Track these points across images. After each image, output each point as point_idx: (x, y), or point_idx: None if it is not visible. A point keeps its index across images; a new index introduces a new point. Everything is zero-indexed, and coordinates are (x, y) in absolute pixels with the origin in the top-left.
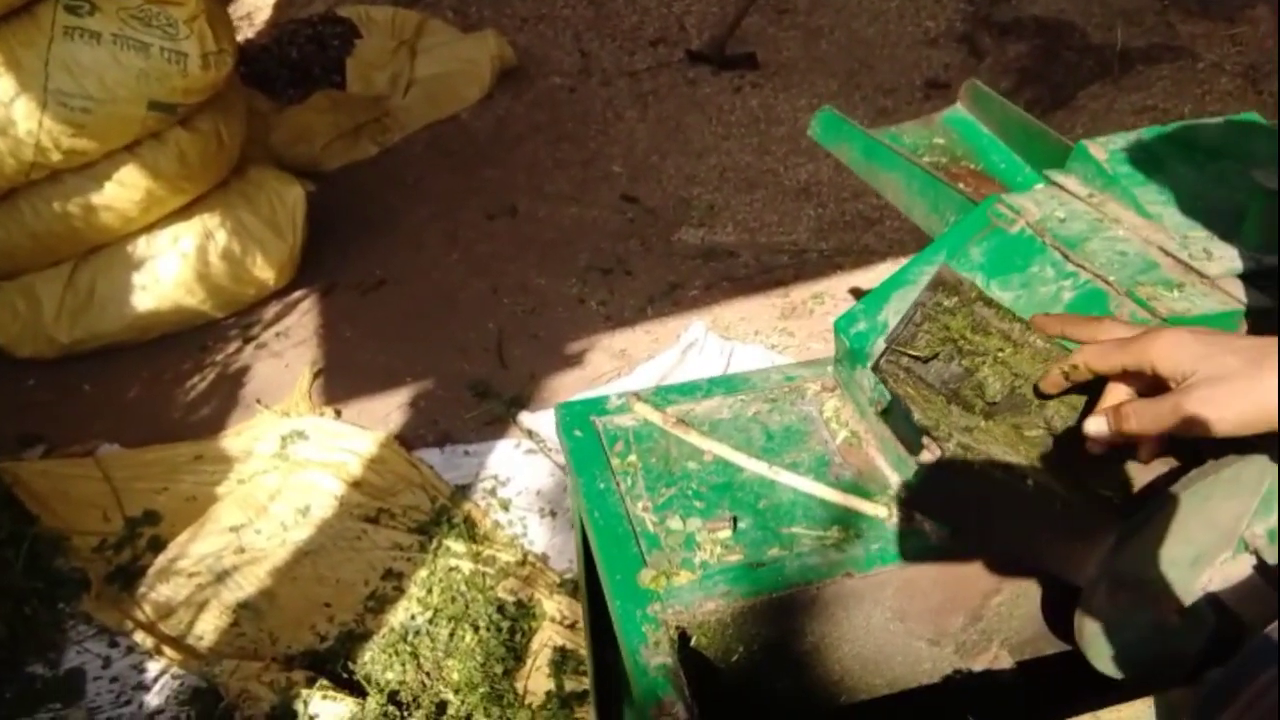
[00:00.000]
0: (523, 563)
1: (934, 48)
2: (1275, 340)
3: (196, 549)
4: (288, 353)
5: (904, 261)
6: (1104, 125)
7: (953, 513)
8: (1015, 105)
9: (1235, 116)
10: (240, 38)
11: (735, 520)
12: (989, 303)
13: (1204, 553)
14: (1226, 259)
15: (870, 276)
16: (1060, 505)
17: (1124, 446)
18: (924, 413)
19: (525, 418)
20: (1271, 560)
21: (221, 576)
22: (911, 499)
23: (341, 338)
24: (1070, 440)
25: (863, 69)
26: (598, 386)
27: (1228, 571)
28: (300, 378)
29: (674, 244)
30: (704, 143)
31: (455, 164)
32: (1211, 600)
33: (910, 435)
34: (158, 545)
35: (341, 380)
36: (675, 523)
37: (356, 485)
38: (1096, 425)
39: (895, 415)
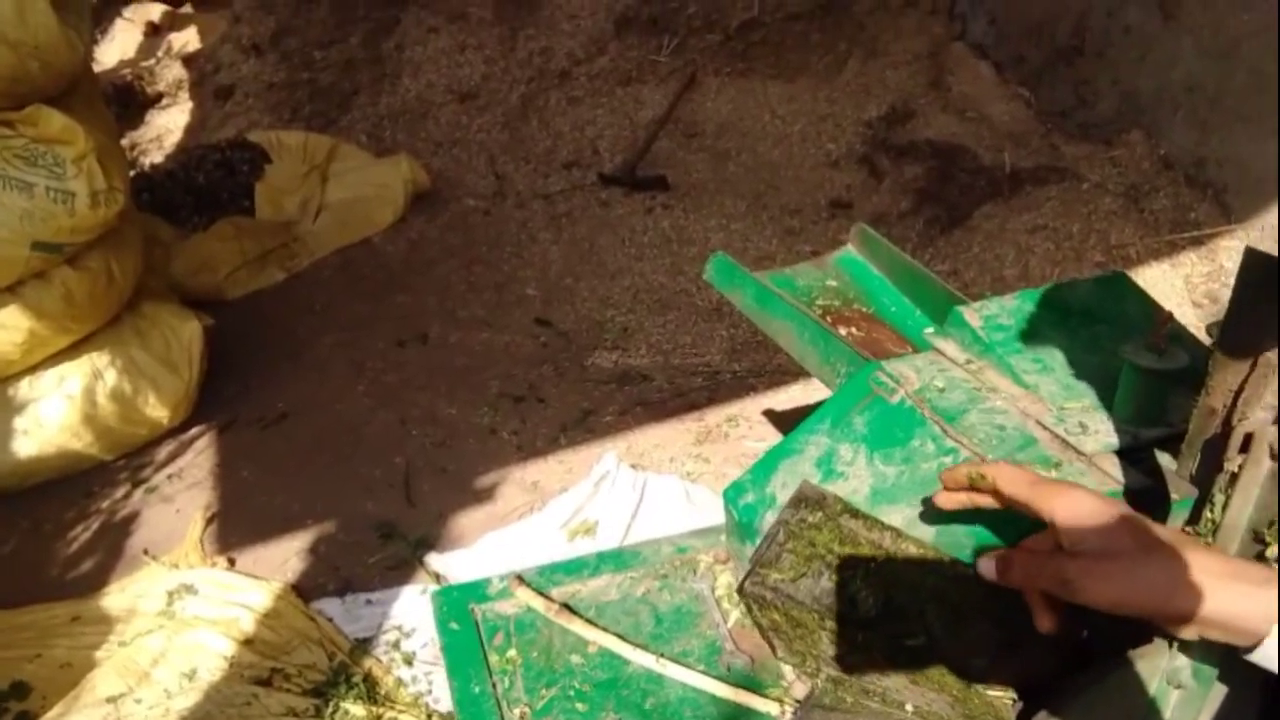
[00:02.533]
0: None
1: (836, 169)
2: (1174, 534)
3: None
4: (179, 496)
5: (815, 382)
6: (997, 243)
7: None
8: (906, 232)
9: (1104, 276)
10: (147, 162)
11: None
12: (855, 514)
13: None
14: (1103, 434)
15: (783, 397)
16: None
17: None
18: (789, 647)
19: (433, 560)
20: None
21: None
22: None
23: (238, 478)
24: (954, 641)
25: (769, 190)
26: (509, 523)
27: None
28: (192, 524)
29: (588, 368)
30: (618, 264)
31: (365, 289)
32: None
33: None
34: None
35: (237, 525)
36: None
37: (248, 643)
38: (985, 566)
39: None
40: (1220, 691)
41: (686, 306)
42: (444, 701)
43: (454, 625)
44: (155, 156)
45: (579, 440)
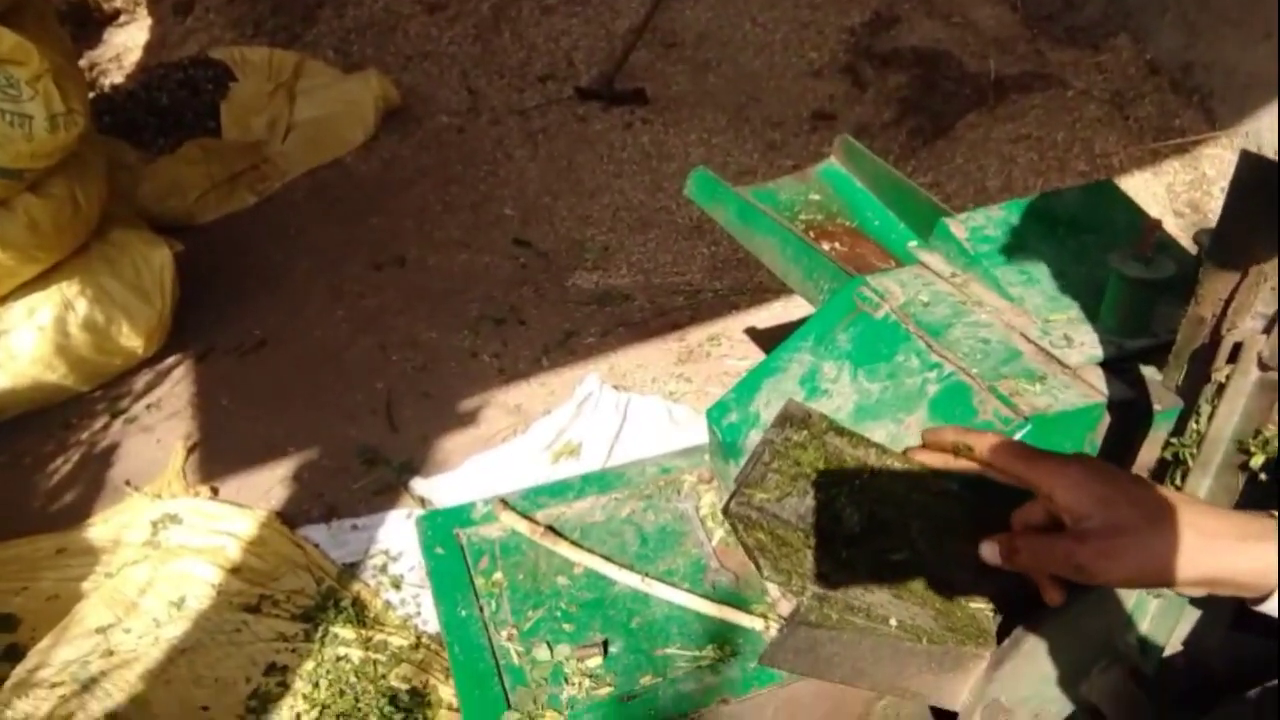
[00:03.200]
0: (416, 646)
1: (819, 79)
2: (1173, 497)
3: (59, 655)
4: (159, 426)
5: (796, 299)
6: (981, 154)
7: (817, 665)
8: (889, 143)
9: (1090, 185)
10: (106, 82)
11: (606, 644)
12: (840, 431)
13: (1079, 664)
14: (1087, 346)
15: (765, 315)
16: (926, 640)
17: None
18: (775, 566)
19: (417, 484)
20: (1145, 666)
21: (88, 685)
22: (771, 657)
23: (218, 407)
24: (937, 556)
25: (750, 102)
26: (492, 446)
27: (1103, 682)
28: (173, 454)
29: (568, 289)
30: (596, 182)
31: (339, 212)
32: (1090, 710)
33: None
34: (15, 654)
35: (219, 454)
36: (542, 651)
37: (235, 571)
38: (990, 551)
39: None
40: (1198, 600)
41: (667, 224)
42: (433, 623)
43: (439, 550)
44: (115, 77)
45: (561, 362)
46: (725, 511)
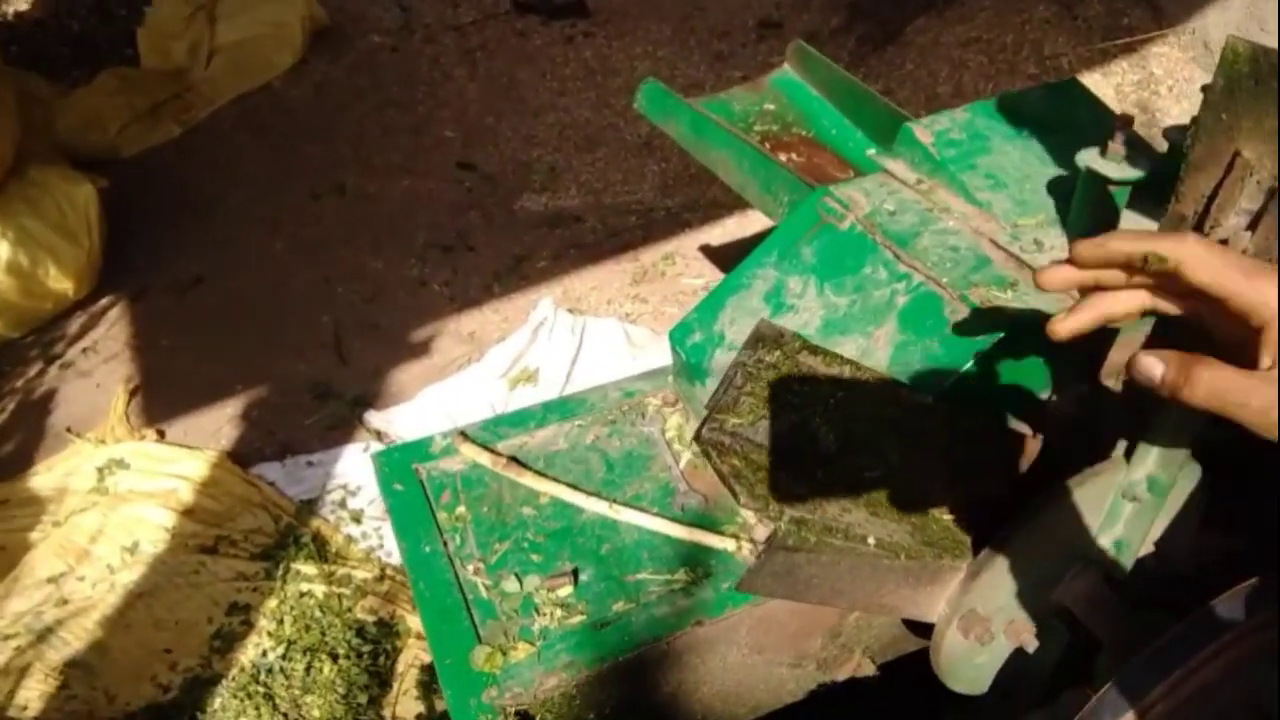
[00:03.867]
0: (381, 578)
1: None
2: None
3: (11, 607)
4: (98, 370)
5: (751, 214)
6: (931, 59)
7: (795, 588)
8: (838, 51)
9: (1056, 84)
10: (10, 10)
11: (576, 573)
12: (814, 350)
13: (1052, 570)
14: (1058, 250)
15: (719, 232)
16: (904, 556)
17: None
18: (751, 492)
19: (372, 417)
20: (1118, 571)
21: (43, 635)
22: (749, 583)
23: (158, 347)
24: (912, 470)
25: (695, 12)
26: (447, 375)
27: (1076, 586)
28: (115, 398)
29: (516, 213)
30: (539, 100)
31: (272, 140)
32: (1063, 614)
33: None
34: None
35: (162, 396)
36: (511, 584)
37: (189, 513)
38: (1152, 369)
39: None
40: (1170, 503)
41: (615, 142)
42: (396, 555)
43: (398, 486)
44: (19, 4)
45: (513, 287)
46: (697, 438)
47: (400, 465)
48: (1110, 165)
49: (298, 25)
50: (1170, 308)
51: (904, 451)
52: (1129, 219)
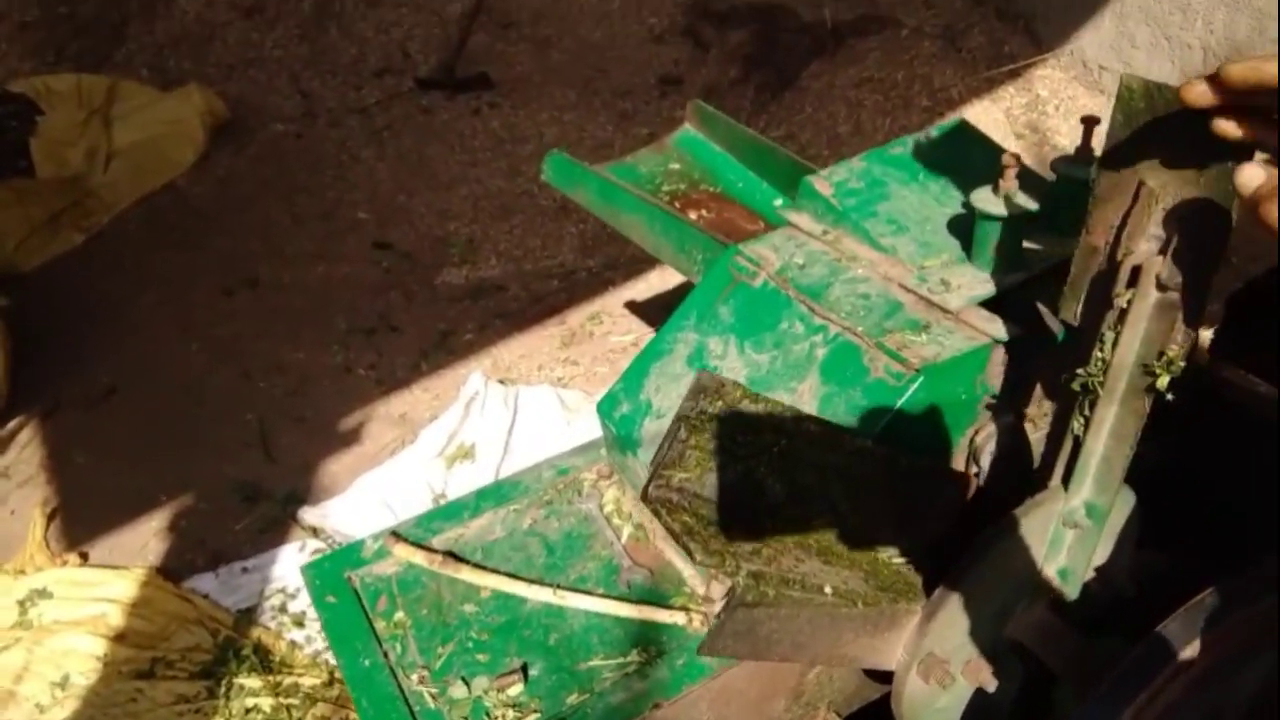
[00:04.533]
0: (330, 683)
1: (661, 44)
2: None
3: None
4: (11, 496)
5: (672, 273)
6: (829, 101)
7: (756, 646)
8: (738, 101)
9: (944, 126)
10: None
11: (525, 668)
12: (755, 399)
13: (1004, 605)
14: (965, 288)
15: (643, 287)
16: (861, 604)
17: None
18: (706, 548)
19: (306, 514)
20: (1066, 597)
21: None
22: (710, 646)
23: (74, 465)
24: (860, 516)
25: (597, 75)
26: (381, 461)
27: (1027, 619)
28: (32, 524)
29: (438, 288)
30: (451, 173)
31: (178, 238)
32: (1017, 648)
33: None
34: None
35: (83, 516)
36: (459, 689)
37: (120, 638)
38: (1251, 176)
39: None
40: (1108, 527)
41: (531, 208)
42: None
43: (331, 599)
44: None
45: (441, 364)
46: (645, 497)
47: (331, 575)
48: (1002, 203)
49: (197, 121)
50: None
51: (850, 497)
52: (1030, 245)
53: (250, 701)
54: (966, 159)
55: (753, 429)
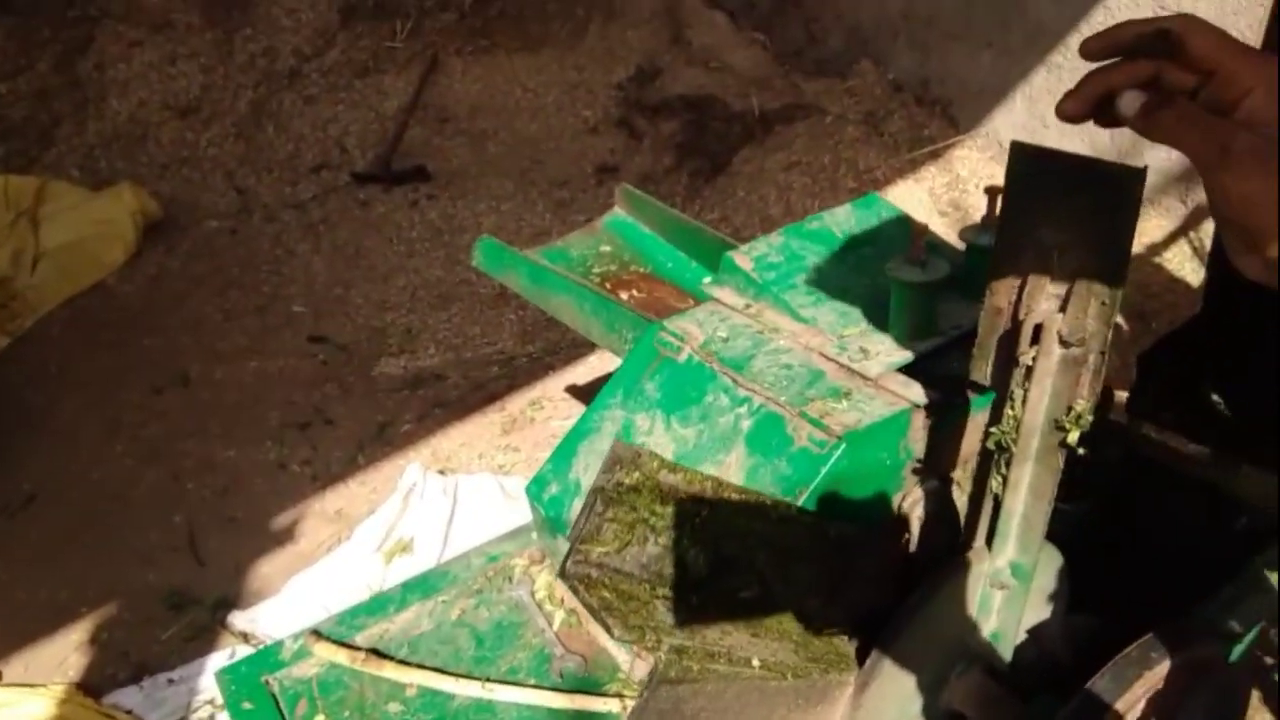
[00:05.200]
0: None
1: (596, 135)
2: None
3: None
4: None
5: (610, 357)
6: (759, 184)
7: None
8: (672, 187)
9: (858, 200)
10: None
11: None
12: (674, 469)
13: (937, 672)
14: (883, 354)
15: (583, 370)
16: (791, 676)
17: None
18: (625, 623)
19: (236, 619)
20: (999, 661)
21: None
22: None
23: None
24: (787, 586)
25: (534, 165)
26: (316, 560)
27: (962, 685)
28: None
29: (375, 379)
30: (389, 264)
31: (106, 339)
32: (955, 717)
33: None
34: None
35: None
36: None
37: None
38: (1131, 100)
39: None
40: (1036, 588)
41: (469, 297)
42: None
43: (247, 705)
44: None
45: (379, 456)
46: (562, 574)
47: (248, 680)
48: (915, 271)
49: (128, 221)
50: (1170, 74)
51: (777, 566)
52: (944, 313)
53: None
54: (880, 231)
55: (672, 500)
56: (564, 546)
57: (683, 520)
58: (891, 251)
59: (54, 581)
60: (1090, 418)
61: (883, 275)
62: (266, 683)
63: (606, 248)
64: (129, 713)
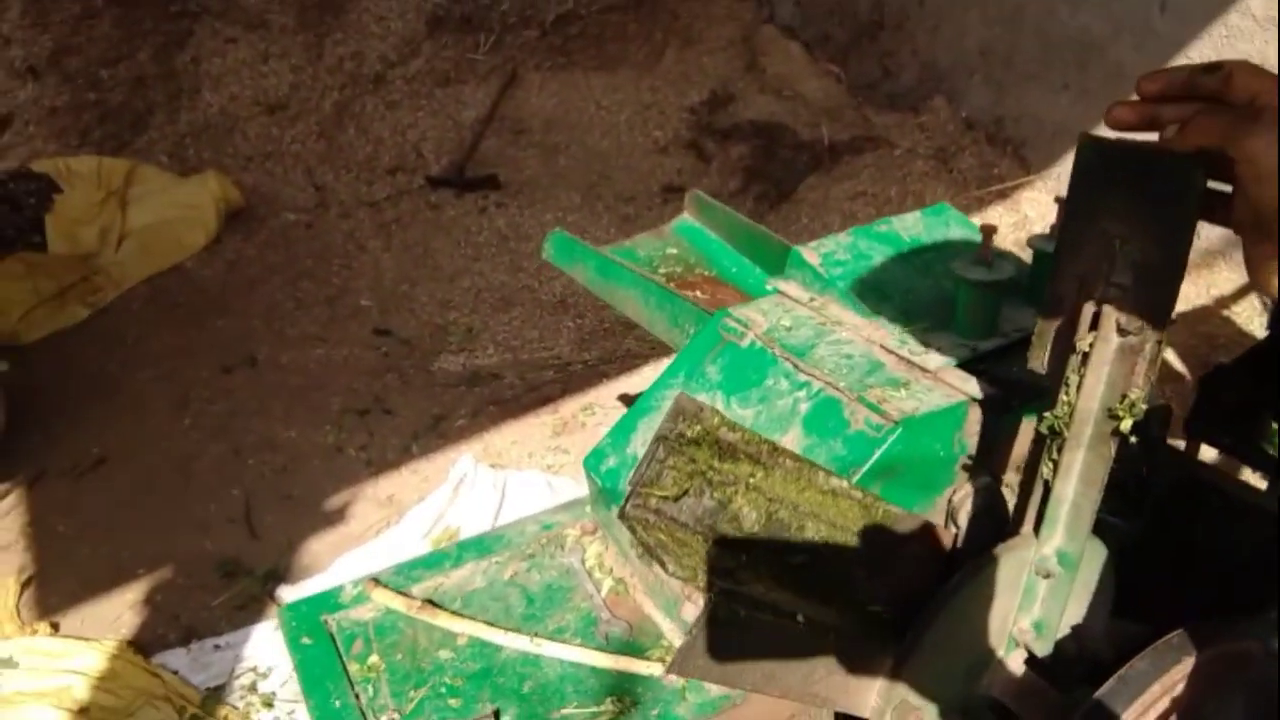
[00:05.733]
0: None
1: (665, 155)
2: None
3: None
4: None
5: (667, 362)
6: (824, 212)
7: (728, 671)
8: (737, 210)
9: (928, 209)
10: None
11: (498, 714)
12: (733, 427)
13: (978, 659)
14: (944, 350)
15: (636, 380)
16: (834, 637)
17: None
18: (679, 563)
19: (285, 592)
20: (1040, 652)
21: None
22: (681, 664)
23: (54, 534)
24: (835, 557)
25: (602, 180)
26: (364, 542)
27: (1003, 673)
28: (3, 592)
29: (434, 374)
30: (455, 266)
31: (181, 317)
32: (993, 705)
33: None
34: None
35: (58, 585)
36: None
37: (84, 712)
38: (1125, 111)
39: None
40: (1081, 581)
41: (530, 302)
42: None
43: (306, 640)
44: None
45: (432, 447)
46: (622, 515)
47: (308, 618)
48: (981, 270)
49: (211, 207)
50: (1213, 113)
51: (825, 535)
52: (1006, 316)
53: None
54: (948, 238)
55: (729, 457)
56: (617, 517)
57: (738, 479)
58: (957, 254)
59: (115, 542)
60: (1144, 407)
61: (947, 279)
62: (325, 622)
63: (673, 250)
64: (175, 673)
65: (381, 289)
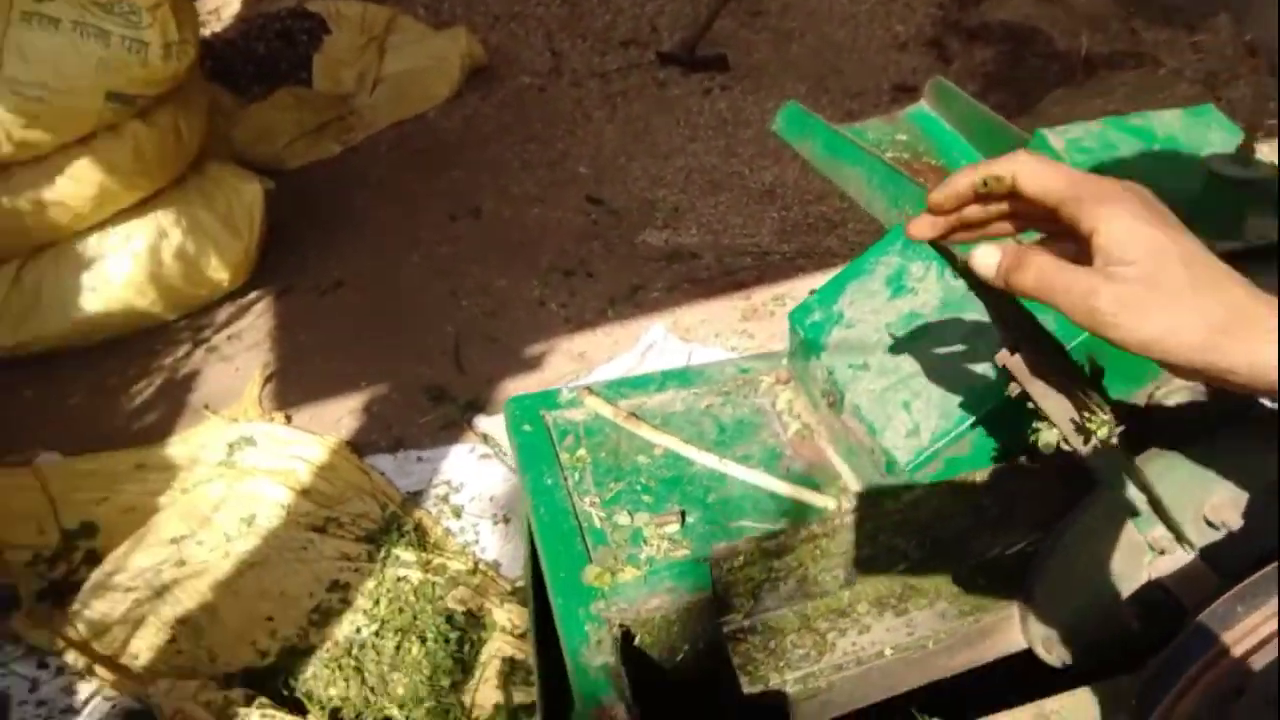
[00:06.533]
0: (473, 571)
1: (903, 52)
2: (1227, 269)
3: (135, 562)
4: (239, 356)
5: None
6: None
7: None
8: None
9: (1191, 109)
10: (207, 32)
11: (683, 514)
12: (770, 536)
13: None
14: None
15: (831, 276)
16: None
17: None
18: (754, 676)
19: (481, 422)
20: (1196, 542)
21: (160, 591)
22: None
23: (295, 341)
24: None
25: (831, 73)
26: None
27: (1166, 562)
28: (251, 382)
29: (637, 246)
30: (671, 144)
31: (420, 164)
32: (1158, 586)
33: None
34: (95, 559)
35: (294, 384)
36: (623, 518)
37: (305, 493)
38: (988, 257)
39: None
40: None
41: (739, 188)
42: (490, 551)
43: (527, 428)
44: (215, 26)
45: (626, 314)
46: (722, 639)
47: (529, 410)
48: (1236, 168)
49: (457, 61)
50: (1012, 227)
51: (922, 541)
52: (1253, 222)
53: (402, 572)
54: (1207, 139)
55: (781, 554)
56: (815, 368)
57: (802, 560)
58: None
59: (344, 356)
60: None
61: (1196, 181)
62: (543, 416)
63: (903, 137)
64: (382, 474)
65: (600, 159)
